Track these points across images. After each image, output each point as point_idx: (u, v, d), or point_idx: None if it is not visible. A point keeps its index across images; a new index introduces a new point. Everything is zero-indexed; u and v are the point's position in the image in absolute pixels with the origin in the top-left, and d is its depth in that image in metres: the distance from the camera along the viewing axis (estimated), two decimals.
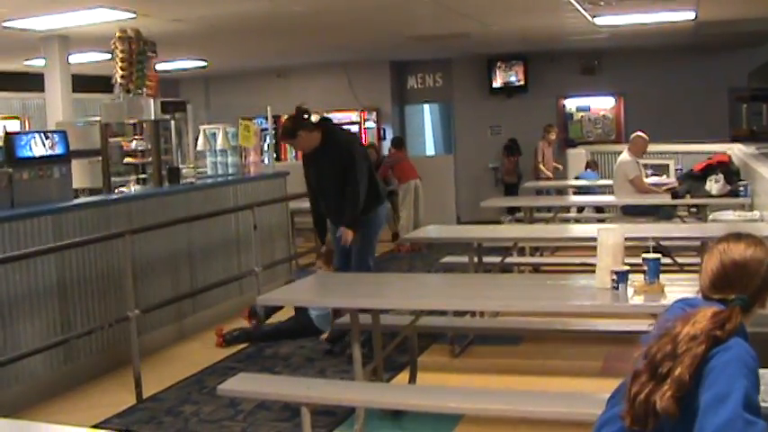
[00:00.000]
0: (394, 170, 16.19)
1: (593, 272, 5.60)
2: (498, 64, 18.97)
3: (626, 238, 5.50)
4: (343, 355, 8.31)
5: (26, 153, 8.51)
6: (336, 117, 19.64)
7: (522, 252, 11.64)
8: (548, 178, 16.74)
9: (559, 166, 17.12)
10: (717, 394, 1.95)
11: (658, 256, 5.37)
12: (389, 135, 19.09)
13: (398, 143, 16.86)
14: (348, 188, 8.19)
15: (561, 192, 15.29)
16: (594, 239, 5.65)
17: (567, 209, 14.18)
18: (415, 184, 16.08)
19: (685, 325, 1.97)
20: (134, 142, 10.75)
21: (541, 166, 16.93)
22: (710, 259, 2.37)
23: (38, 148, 8.62)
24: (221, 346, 9.19)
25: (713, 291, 2.42)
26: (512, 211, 15.34)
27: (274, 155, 16.14)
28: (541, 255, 12.51)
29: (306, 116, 8.52)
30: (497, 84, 19.08)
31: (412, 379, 7.15)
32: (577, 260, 10.62)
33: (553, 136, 17.24)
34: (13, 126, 15.55)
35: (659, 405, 1.95)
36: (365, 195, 8.29)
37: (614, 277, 5.31)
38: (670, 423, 1.96)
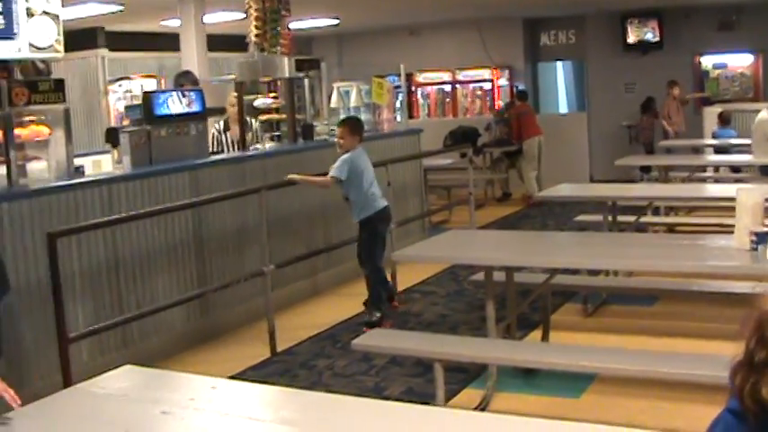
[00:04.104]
0: (520, 123, 16.07)
1: (730, 233, 5.49)
2: (631, 20, 18.60)
3: (766, 199, 5.38)
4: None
5: (164, 111, 8.67)
6: (469, 74, 19.64)
7: (656, 212, 11.46)
8: (673, 133, 16.43)
9: (675, 125, 16.73)
10: None
11: None
12: None
13: (523, 95, 16.72)
14: None
15: (697, 150, 14.97)
16: (731, 200, 5.54)
17: (703, 168, 13.86)
18: (538, 140, 15.95)
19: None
20: (267, 99, 10.86)
21: (664, 123, 16.60)
22: None
23: (175, 106, 8.77)
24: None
25: None
26: (645, 170, 15.09)
27: (407, 112, 16.16)
28: (676, 215, 12.29)
29: None
30: (631, 40, 18.72)
31: (544, 337, 7.13)
32: (713, 221, 10.41)
33: (676, 92, 16.86)
34: (150, 85, 15.82)
35: (765, 394, 1.86)
36: None
37: (754, 238, 5.19)
38: None
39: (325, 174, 8.35)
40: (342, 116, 11.65)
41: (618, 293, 8.49)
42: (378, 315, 8.27)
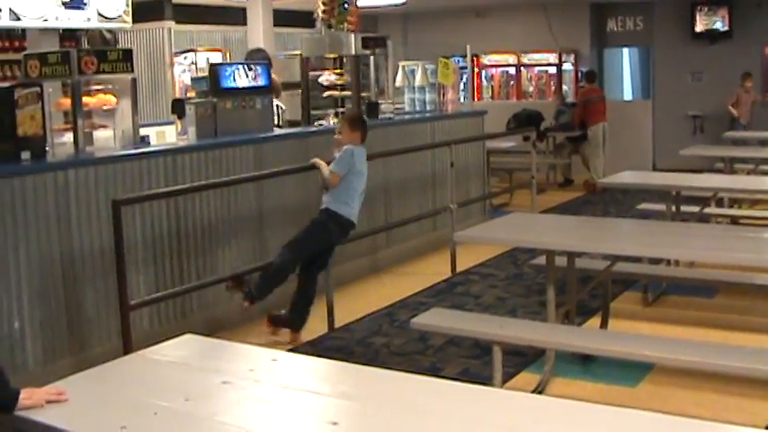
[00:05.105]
0: (585, 109, 15.94)
1: None
2: (701, 8, 18.36)
3: None
4: None
5: (230, 84, 8.71)
6: (534, 58, 19.53)
7: (720, 203, 11.33)
8: (738, 117, 16.24)
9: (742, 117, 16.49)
10: None
11: None
12: None
13: (591, 76, 16.57)
14: None
15: (764, 143, 14.77)
16: None
17: None
18: (603, 127, 15.83)
19: None
20: (331, 76, 10.89)
21: (731, 108, 16.39)
22: None
23: (241, 79, 8.81)
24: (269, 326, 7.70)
25: None
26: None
27: (471, 94, 16.11)
28: (740, 207, 12.15)
29: None
30: (699, 29, 18.48)
31: (603, 324, 7.08)
32: None
33: (749, 84, 16.64)
34: (215, 58, 15.92)
35: None
36: None
37: None
38: None
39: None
40: (407, 95, 11.69)
41: (678, 284, 8.41)
42: (251, 293, 7.28)
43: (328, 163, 7.54)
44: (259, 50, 10.90)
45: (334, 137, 7.73)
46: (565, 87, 19.12)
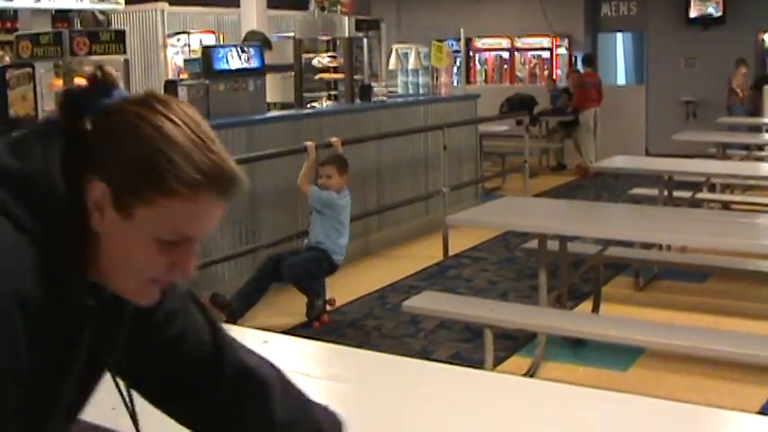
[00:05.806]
0: (581, 93, 15.92)
1: None
2: None
3: None
4: None
5: (223, 66, 8.69)
6: (528, 42, 19.51)
7: (712, 188, 11.33)
8: (741, 98, 16.29)
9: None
10: None
11: None
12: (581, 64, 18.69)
13: (590, 61, 16.61)
14: None
15: (756, 129, 14.78)
16: None
17: (761, 147, 13.68)
18: (595, 112, 15.83)
19: None
20: (326, 59, 10.88)
21: (735, 87, 16.45)
22: None
23: (234, 61, 8.79)
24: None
25: None
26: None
27: (465, 77, 16.09)
28: (732, 192, 12.15)
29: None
30: (693, 14, 18.45)
31: (595, 309, 7.09)
32: None
33: (743, 70, 16.67)
34: (208, 40, 15.85)
35: None
36: None
37: None
38: None
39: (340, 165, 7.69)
40: (400, 78, 11.67)
41: (670, 268, 8.42)
42: (320, 303, 7.53)
43: (317, 148, 7.56)
44: (256, 33, 10.87)
45: (320, 181, 7.59)
46: (558, 71, 19.11)
